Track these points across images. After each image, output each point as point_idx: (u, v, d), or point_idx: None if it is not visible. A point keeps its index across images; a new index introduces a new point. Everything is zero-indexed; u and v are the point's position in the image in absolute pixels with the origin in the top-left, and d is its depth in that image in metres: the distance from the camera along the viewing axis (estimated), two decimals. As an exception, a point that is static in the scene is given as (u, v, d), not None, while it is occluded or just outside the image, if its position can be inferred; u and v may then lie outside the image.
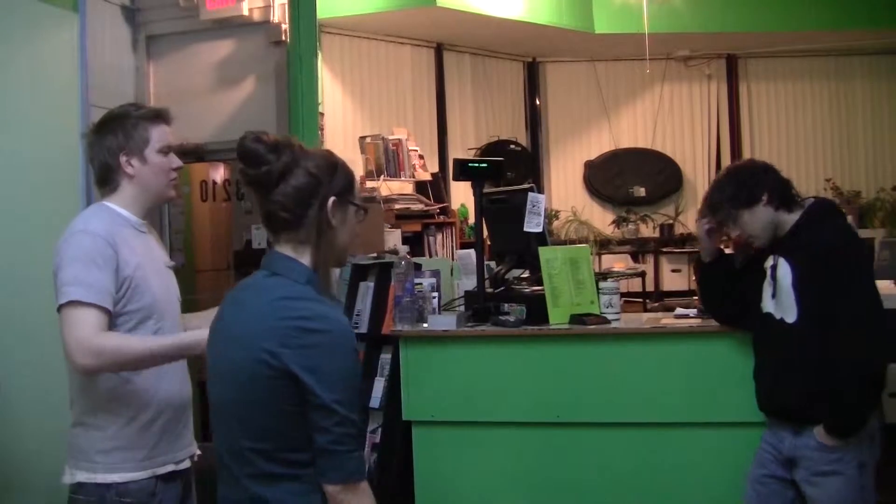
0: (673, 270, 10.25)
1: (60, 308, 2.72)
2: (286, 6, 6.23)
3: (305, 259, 2.25)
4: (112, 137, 2.93)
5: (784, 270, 3.39)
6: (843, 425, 3.26)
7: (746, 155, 10.76)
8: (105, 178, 2.97)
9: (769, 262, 3.48)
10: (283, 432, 2.14)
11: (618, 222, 10.54)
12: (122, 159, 2.92)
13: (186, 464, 2.99)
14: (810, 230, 3.38)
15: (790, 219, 3.42)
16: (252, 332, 2.16)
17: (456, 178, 4.39)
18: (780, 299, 3.40)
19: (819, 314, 3.28)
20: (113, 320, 2.78)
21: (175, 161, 3.02)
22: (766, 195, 3.40)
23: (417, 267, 4.60)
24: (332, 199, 2.23)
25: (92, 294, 2.70)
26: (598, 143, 10.95)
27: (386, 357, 4.69)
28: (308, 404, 2.10)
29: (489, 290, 4.35)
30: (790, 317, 3.35)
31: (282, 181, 2.20)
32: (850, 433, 3.26)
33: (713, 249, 3.72)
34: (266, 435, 2.15)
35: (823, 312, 3.26)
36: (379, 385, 4.67)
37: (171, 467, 2.91)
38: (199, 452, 3.10)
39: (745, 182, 3.44)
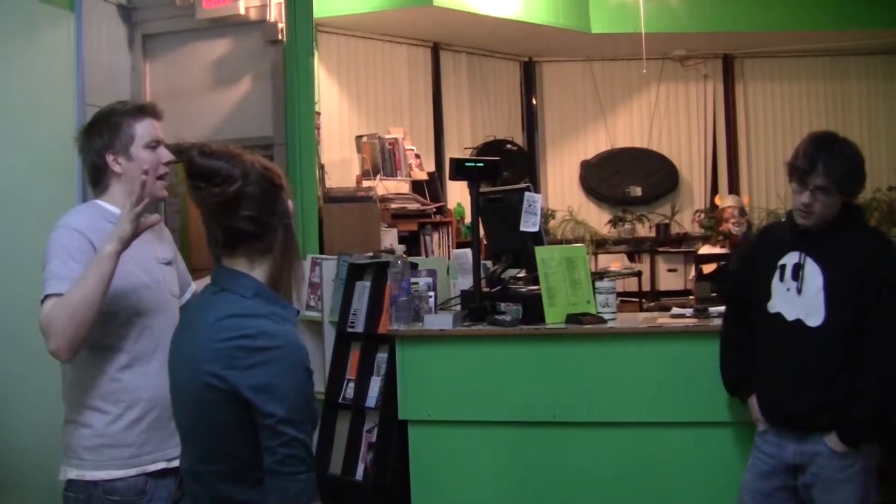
0: (669, 270, 10.23)
1: (42, 302, 2.73)
2: (282, 5, 6.23)
3: (260, 270, 2.19)
4: (98, 138, 2.93)
5: (813, 272, 3.30)
6: (863, 434, 3.22)
7: (743, 155, 10.77)
8: (96, 179, 2.97)
9: (789, 260, 3.36)
10: (238, 453, 2.10)
11: (614, 222, 10.53)
12: (109, 158, 2.92)
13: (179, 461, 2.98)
14: (845, 233, 3.31)
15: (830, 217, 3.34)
16: (197, 355, 2.12)
17: (452, 178, 4.40)
18: (804, 301, 3.29)
19: (853, 320, 3.21)
20: (99, 318, 2.77)
21: (165, 155, 2.99)
22: (852, 197, 3.34)
23: (414, 266, 4.60)
24: (289, 201, 2.22)
25: (67, 285, 2.69)
26: (595, 143, 10.93)
27: (382, 356, 4.70)
28: (258, 424, 2.05)
29: (485, 289, 4.36)
30: (814, 320, 3.26)
31: (245, 194, 2.14)
32: (867, 442, 3.24)
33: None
34: (222, 457, 2.13)
35: (859, 319, 3.20)
36: (375, 384, 4.67)
37: (162, 465, 2.89)
38: None
39: (860, 176, 3.37)
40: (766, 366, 3.44)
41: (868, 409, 3.19)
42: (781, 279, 3.37)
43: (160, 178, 2.98)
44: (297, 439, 2.06)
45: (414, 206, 8.10)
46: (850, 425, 3.21)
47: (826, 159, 3.26)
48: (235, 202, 2.13)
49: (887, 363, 3.19)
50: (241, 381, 2.04)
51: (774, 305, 3.38)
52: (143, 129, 2.95)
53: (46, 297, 2.70)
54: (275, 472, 2.05)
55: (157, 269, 3.03)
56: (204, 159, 2.13)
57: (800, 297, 3.31)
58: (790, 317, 3.33)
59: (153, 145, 2.96)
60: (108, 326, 2.83)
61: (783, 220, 3.58)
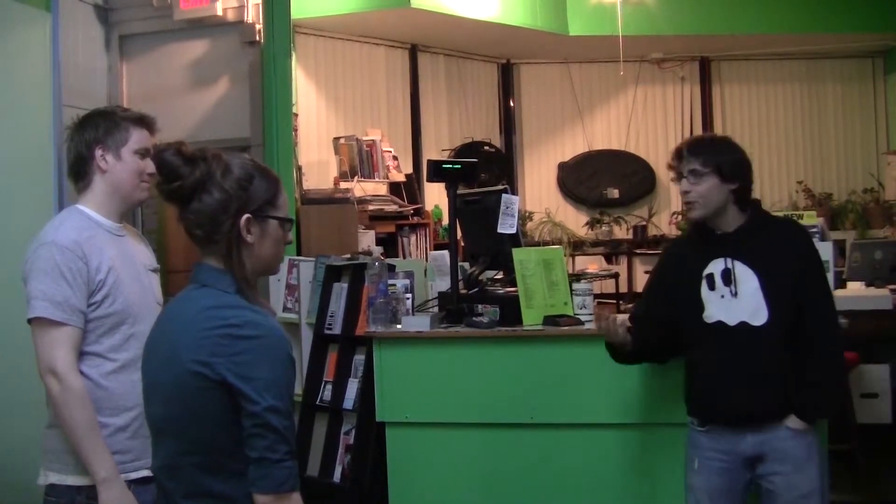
0: (646, 272, 10.24)
1: (30, 320, 2.77)
2: (260, 6, 6.23)
3: (231, 273, 2.19)
4: (92, 130, 2.94)
5: (744, 273, 3.34)
6: (819, 408, 3.35)
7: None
8: (78, 171, 2.97)
9: (715, 267, 3.39)
10: (219, 443, 2.10)
11: (591, 224, 10.58)
12: (98, 152, 2.92)
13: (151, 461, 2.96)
14: (762, 232, 3.39)
15: (737, 218, 3.40)
16: (182, 345, 2.12)
17: (430, 180, 4.39)
18: (743, 303, 3.33)
19: (794, 311, 3.31)
20: (85, 326, 2.80)
21: (150, 167, 2.99)
22: (738, 184, 3.36)
23: (391, 268, 4.60)
24: (245, 216, 2.17)
25: (61, 313, 2.74)
26: (572, 145, 10.97)
27: (360, 358, 4.69)
28: (242, 412, 2.06)
29: (463, 291, 4.36)
30: (757, 320, 3.30)
31: (194, 197, 2.15)
32: (820, 416, 3.38)
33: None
34: (203, 447, 2.13)
35: (799, 308, 3.31)
36: (353, 386, 4.66)
37: (144, 472, 2.88)
38: None
39: (738, 161, 3.41)
40: (714, 375, 3.42)
41: (819, 385, 3.31)
42: (712, 288, 3.39)
43: (143, 181, 3.00)
44: (285, 426, 2.08)
45: (391, 207, 8.11)
46: (806, 402, 3.30)
47: (689, 145, 3.53)
48: (180, 200, 2.17)
49: (830, 339, 3.37)
50: (228, 368, 2.05)
51: (712, 315, 3.39)
52: (137, 136, 2.97)
53: (39, 318, 2.75)
54: (263, 460, 2.06)
55: (145, 275, 3.03)
56: (167, 154, 2.15)
57: (737, 300, 3.35)
58: (733, 321, 3.35)
59: (142, 154, 2.97)
60: (95, 333, 2.83)
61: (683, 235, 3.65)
